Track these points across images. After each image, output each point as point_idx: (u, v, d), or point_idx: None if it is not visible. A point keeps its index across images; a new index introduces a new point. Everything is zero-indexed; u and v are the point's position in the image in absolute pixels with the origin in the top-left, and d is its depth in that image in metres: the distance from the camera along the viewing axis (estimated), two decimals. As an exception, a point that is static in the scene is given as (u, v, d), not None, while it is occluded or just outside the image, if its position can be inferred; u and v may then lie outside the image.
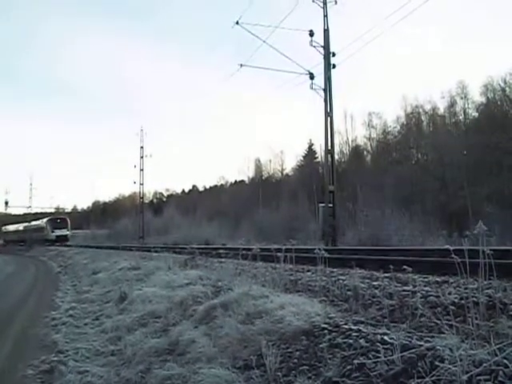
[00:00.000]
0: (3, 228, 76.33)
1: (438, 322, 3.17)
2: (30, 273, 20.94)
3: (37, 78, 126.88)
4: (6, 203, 67.63)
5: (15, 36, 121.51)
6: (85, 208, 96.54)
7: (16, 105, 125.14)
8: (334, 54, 20.09)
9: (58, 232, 55.00)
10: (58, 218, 60.18)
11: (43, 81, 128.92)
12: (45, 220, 59.85)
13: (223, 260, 10.27)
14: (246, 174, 68.04)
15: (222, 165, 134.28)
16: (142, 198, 49.52)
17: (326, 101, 20.02)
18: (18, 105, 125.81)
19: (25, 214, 72.07)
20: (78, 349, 5.83)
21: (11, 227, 73.10)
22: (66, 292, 11.98)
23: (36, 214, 71.36)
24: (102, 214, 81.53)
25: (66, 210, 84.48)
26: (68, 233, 57.20)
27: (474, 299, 3.28)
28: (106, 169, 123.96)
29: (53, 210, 74.56)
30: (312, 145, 58.51)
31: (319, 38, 20.22)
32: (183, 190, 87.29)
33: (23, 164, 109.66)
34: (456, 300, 3.77)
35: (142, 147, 46.12)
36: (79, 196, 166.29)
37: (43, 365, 5.29)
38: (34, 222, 63.46)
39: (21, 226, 68.87)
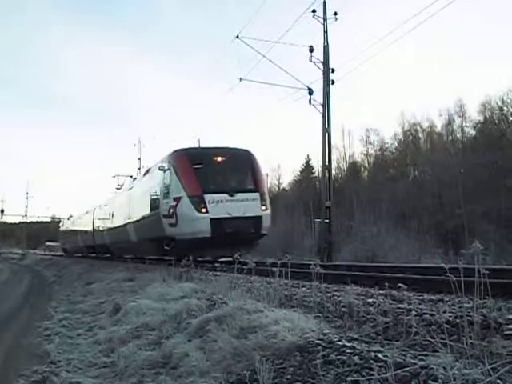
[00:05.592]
0: (63, 222, 49.33)
1: (433, 340, 3.16)
2: (23, 282, 20.81)
3: (35, 87, 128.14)
4: (2, 211, 66.53)
5: (14, 44, 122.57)
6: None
7: (13, 113, 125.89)
8: (333, 70, 20.25)
9: (229, 207, 14.34)
10: (218, 153, 16.62)
11: (41, 90, 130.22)
12: (166, 156, 16.50)
13: (218, 273, 10.23)
14: (243, 187, 67.71)
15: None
16: (140, 209, 48.28)
17: (324, 116, 20.13)
18: (16, 113, 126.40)
19: (20, 223, 71.12)
20: (71, 360, 5.76)
21: (73, 220, 41.78)
22: (60, 302, 11.89)
23: (31, 223, 70.25)
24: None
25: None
26: (268, 211, 15.34)
27: (469, 318, 3.27)
28: (103, 179, 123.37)
29: (49, 220, 71.68)
30: (309, 160, 58.70)
31: (319, 53, 20.42)
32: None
33: (19, 173, 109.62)
34: (451, 319, 3.77)
35: (139, 158, 45.65)
36: (75, 206, 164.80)
37: (35, 375, 5.20)
38: (132, 185, 23.96)
39: (88, 215, 32.88)
